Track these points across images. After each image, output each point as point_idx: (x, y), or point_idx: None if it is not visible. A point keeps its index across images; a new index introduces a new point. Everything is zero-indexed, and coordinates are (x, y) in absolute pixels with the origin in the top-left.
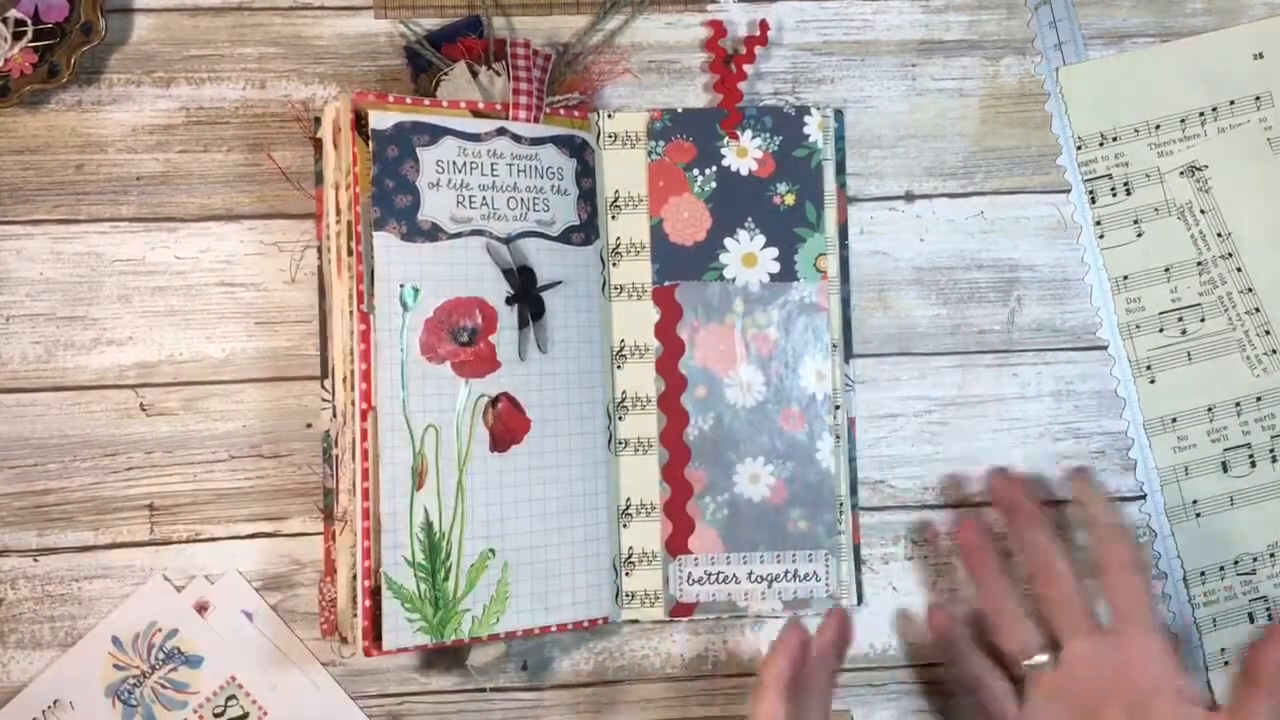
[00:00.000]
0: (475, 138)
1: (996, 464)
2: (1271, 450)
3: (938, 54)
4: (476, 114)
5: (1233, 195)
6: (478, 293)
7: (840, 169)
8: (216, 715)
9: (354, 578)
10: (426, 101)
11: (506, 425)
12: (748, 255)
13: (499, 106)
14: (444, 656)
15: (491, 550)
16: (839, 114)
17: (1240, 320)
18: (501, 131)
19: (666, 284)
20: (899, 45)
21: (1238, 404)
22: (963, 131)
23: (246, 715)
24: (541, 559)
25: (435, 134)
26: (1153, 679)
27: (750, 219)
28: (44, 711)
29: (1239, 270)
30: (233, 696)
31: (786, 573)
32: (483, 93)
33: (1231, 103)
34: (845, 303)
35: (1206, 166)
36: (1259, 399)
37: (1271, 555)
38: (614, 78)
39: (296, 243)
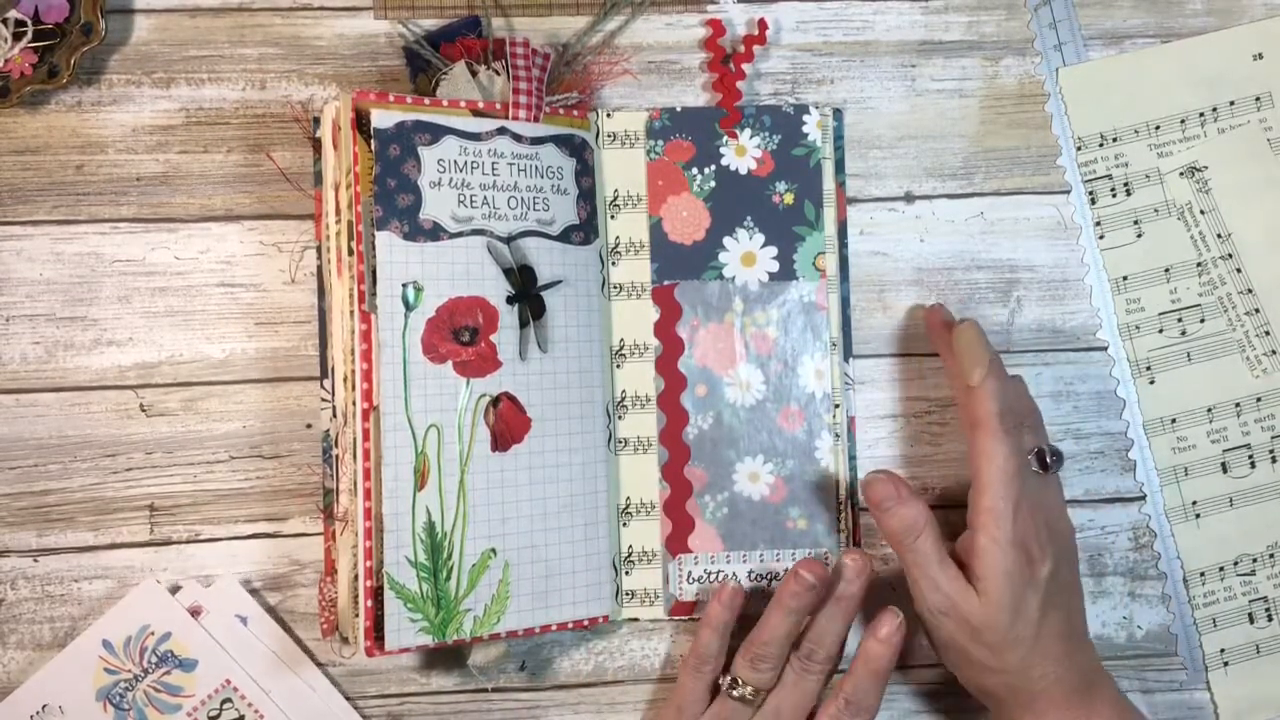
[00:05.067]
0: (476, 137)
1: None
2: (1271, 451)
3: (937, 54)
4: (476, 113)
5: (1233, 196)
6: (479, 292)
7: (839, 167)
8: (212, 718)
9: (355, 578)
10: (427, 101)
11: (507, 424)
12: (747, 254)
13: (499, 106)
14: (443, 656)
15: (493, 550)
16: (838, 112)
17: (1240, 321)
18: (502, 131)
19: (666, 283)
20: (898, 46)
21: (1237, 405)
22: (962, 132)
23: (242, 718)
24: (542, 558)
25: (436, 133)
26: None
27: (749, 218)
28: (33, 716)
29: (1239, 271)
30: (228, 700)
31: (786, 571)
32: (482, 92)
33: (1231, 103)
34: (844, 301)
35: (1206, 167)
36: (1259, 400)
37: (1271, 556)
38: (613, 78)
39: (296, 243)
